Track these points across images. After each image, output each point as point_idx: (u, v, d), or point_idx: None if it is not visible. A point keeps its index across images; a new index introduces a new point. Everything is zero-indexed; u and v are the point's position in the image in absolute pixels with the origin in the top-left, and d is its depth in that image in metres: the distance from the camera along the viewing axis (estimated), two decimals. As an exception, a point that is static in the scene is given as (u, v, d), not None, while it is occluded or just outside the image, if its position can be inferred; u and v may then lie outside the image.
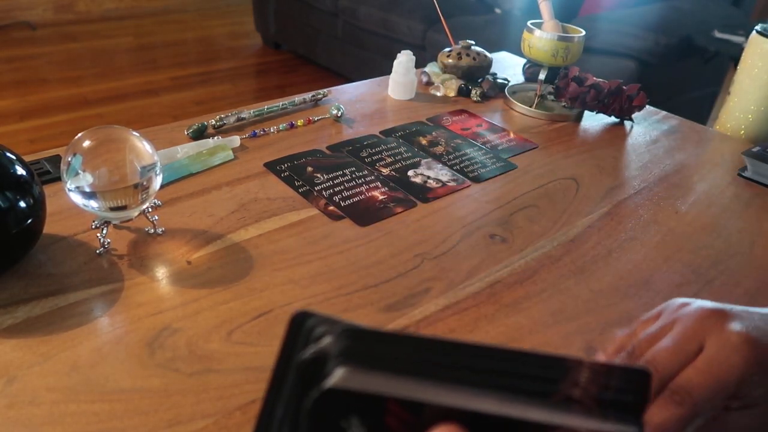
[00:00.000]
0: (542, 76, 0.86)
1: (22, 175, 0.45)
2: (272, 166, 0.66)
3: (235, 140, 0.69)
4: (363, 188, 0.63)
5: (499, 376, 0.22)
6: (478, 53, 0.92)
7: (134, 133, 0.49)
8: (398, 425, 0.22)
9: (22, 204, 0.44)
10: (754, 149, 0.74)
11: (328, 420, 0.22)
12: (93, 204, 0.47)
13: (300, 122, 0.76)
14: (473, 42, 0.94)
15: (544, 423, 0.22)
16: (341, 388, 0.22)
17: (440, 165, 0.70)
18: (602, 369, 0.23)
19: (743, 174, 0.74)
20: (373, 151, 0.71)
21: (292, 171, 0.65)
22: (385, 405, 0.22)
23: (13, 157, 0.45)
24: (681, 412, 0.30)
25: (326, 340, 0.24)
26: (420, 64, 0.94)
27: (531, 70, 0.94)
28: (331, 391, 0.22)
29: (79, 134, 0.47)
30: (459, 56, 0.92)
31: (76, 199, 0.47)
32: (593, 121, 0.87)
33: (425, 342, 0.23)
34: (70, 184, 0.47)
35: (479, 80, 0.93)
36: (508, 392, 0.22)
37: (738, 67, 0.85)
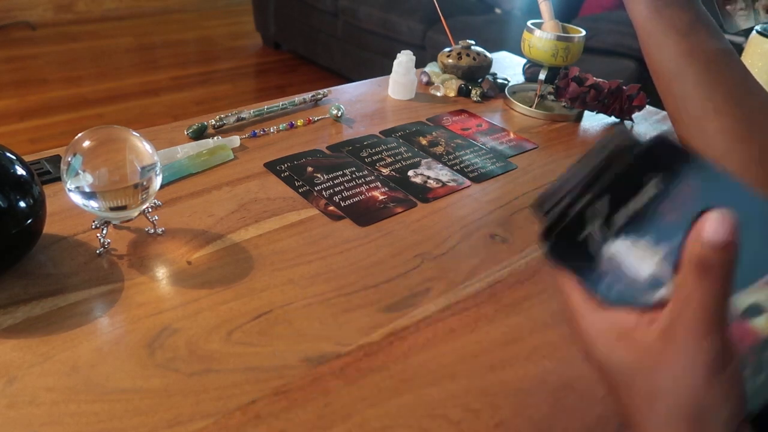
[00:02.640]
0: (542, 76, 0.86)
1: (22, 175, 0.45)
2: (272, 166, 0.66)
3: (235, 140, 0.69)
4: (363, 188, 0.63)
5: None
6: (478, 53, 0.92)
7: (134, 133, 0.49)
8: (682, 199, 0.27)
9: (22, 204, 0.44)
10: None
11: (634, 174, 0.28)
12: (93, 204, 0.47)
13: (300, 122, 0.76)
14: (473, 42, 0.94)
15: None
16: (668, 142, 0.28)
17: (440, 165, 0.70)
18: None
19: (743, 174, 0.74)
20: (373, 151, 0.71)
21: (292, 171, 0.65)
22: (684, 184, 0.28)
23: (13, 157, 0.45)
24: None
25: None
26: (420, 64, 0.94)
27: (531, 70, 0.94)
28: (659, 142, 0.29)
29: (79, 134, 0.47)
30: (459, 56, 0.92)
31: (76, 199, 0.47)
32: (593, 121, 0.87)
33: (718, 173, 0.28)
34: (70, 184, 0.47)
35: (479, 80, 0.93)
36: None
37: (738, 67, 0.85)
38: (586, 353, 0.30)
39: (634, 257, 0.28)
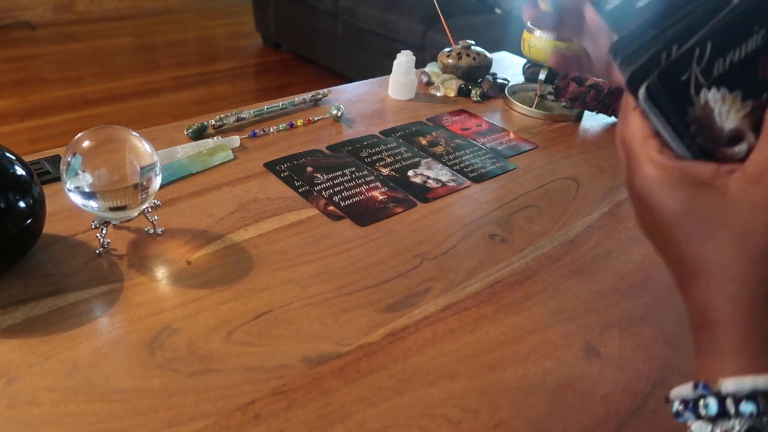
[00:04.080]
0: (542, 76, 0.86)
1: (21, 175, 0.45)
2: (272, 166, 0.66)
3: (235, 140, 0.69)
4: (363, 188, 0.63)
5: None
6: (478, 53, 0.92)
7: (134, 133, 0.49)
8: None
9: (22, 204, 0.44)
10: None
11: (751, 21, 0.28)
12: (93, 204, 0.47)
13: (300, 122, 0.76)
14: (473, 42, 0.94)
15: None
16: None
17: (440, 165, 0.70)
18: None
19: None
20: (373, 151, 0.71)
21: (292, 171, 0.65)
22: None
23: (13, 157, 0.45)
24: None
25: None
26: (420, 64, 0.94)
27: (531, 70, 0.94)
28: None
29: (79, 134, 0.47)
30: (459, 56, 0.92)
31: (76, 199, 0.47)
32: (593, 121, 0.87)
33: None
34: (69, 184, 0.47)
35: (479, 80, 0.93)
36: None
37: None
38: (646, 206, 0.30)
39: (721, 110, 0.29)
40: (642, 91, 0.29)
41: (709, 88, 0.29)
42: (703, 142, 0.29)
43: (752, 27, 0.29)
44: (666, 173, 0.29)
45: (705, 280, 0.28)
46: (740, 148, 0.29)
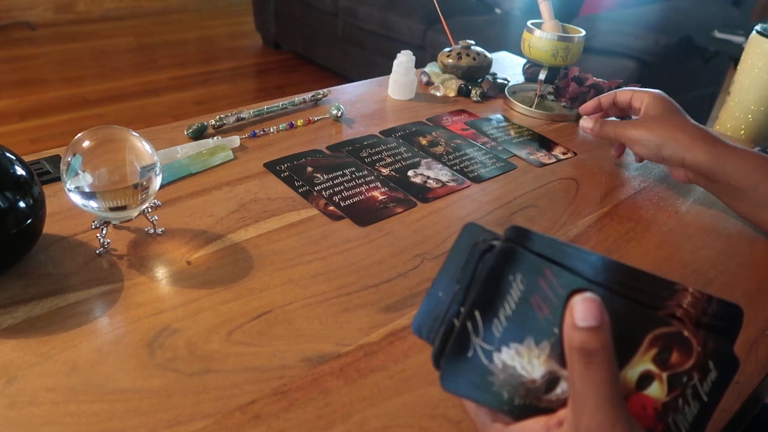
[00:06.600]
0: (542, 76, 0.86)
1: (21, 175, 0.45)
2: (272, 166, 0.66)
3: (235, 140, 0.69)
4: (363, 188, 0.63)
5: (622, 285, 0.28)
6: (478, 53, 0.92)
7: (134, 133, 0.49)
8: (546, 288, 0.28)
9: (22, 204, 0.44)
10: (754, 149, 0.73)
11: (502, 273, 0.29)
12: (93, 204, 0.47)
13: (300, 122, 0.76)
14: (473, 42, 0.94)
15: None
16: (521, 230, 0.29)
17: (440, 165, 0.70)
18: (703, 297, 0.28)
19: (743, 174, 0.74)
20: (373, 151, 0.71)
21: (292, 171, 0.65)
22: (543, 270, 0.28)
23: (13, 157, 0.45)
24: None
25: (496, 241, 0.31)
26: (420, 64, 0.94)
27: (531, 70, 0.94)
28: (509, 249, 0.29)
29: (79, 134, 0.47)
30: (459, 56, 0.92)
31: (76, 199, 0.47)
32: (593, 121, 0.86)
33: (570, 248, 0.29)
34: (69, 184, 0.47)
35: (479, 80, 0.93)
36: (628, 299, 0.28)
37: (738, 67, 0.85)
38: None
39: (523, 363, 0.29)
40: (442, 383, 0.29)
41: (499, 351, 0.29)
42: (523, 401, 0.29)
43: (506, 278, 0.29)
44: None
45: None
46: (561, 389, 0.28)
